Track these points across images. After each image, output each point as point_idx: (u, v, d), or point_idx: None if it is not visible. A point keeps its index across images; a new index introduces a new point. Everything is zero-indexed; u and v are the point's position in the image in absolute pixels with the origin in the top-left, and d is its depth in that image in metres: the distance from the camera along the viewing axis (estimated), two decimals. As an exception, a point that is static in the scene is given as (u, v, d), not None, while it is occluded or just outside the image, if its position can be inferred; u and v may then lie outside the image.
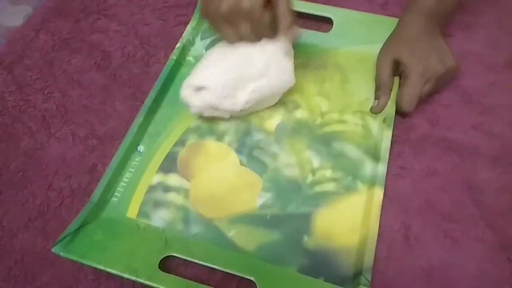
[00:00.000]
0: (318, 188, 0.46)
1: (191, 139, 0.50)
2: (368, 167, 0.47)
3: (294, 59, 0.50)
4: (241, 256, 0.42)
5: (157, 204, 0.45)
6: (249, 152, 0.49)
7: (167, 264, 0.42)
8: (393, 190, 0.46)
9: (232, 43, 0.48)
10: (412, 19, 0.50)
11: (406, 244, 0.44)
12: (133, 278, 0.38)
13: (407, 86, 0.48)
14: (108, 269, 0.38)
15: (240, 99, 0.47)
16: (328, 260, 0.42)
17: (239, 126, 0.51)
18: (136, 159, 0.48)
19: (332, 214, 0.44)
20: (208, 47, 0.57)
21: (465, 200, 0.46)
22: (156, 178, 0.47)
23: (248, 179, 0.47)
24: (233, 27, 0.47)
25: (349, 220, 0.44)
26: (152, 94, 0.51)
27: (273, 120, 0.51)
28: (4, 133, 0.52)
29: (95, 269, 0.39)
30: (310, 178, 0.47)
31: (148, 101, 0.50)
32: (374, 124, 0.50)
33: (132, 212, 0.45)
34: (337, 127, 0.50)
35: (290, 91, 0.51)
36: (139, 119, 0.49)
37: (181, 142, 0.49)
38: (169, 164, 0.48)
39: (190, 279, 0.39)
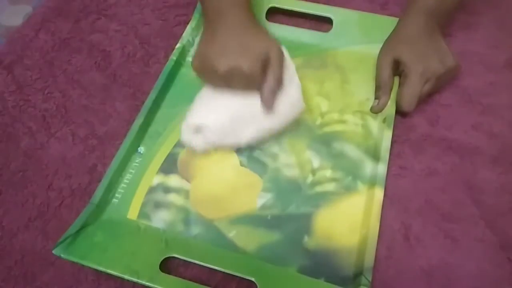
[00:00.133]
0: (318, 188, 0.46)
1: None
2: (368, 167, 0.47)
3: (293, 60, 0.50)
4: (242, 256, 0.42)
5: (158, 205, 0.45)
6: (249, 152, 0.49)
7: (168, 265, 0.42)
8: (393, 190, 0.46)
9: None
10: (412, 19, 0.50)
11: (406, 244, 0.44)
12: (134, 279, 0.38)
13: (407, 86, 0.48)
14: (109, 271, 0.38)
15: (245, 135, 0.46)
16: (329, 260, 0.42)
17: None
18: (137, 160, 0.48)
19: (332, 214, 0.45)
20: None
21: (465, 200, 0.46)
22: (157, 179, 0.47)
23: (248, 179, 0.47)
24: (229, 85, 0.45)
25: (349, 220, 0.44)
26: (152, 95, 0.51)
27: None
28: (4, 133, 0.52)
29: (96, 270, 0.39)
30: (310, 178, 0.47)
31: (148, 102, 0.50)
32: (374, 124, 0.50)
33: (132, 213, 0.45)
34: (337, 127, 0.50)
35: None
36: (139, 120, 0.49)
37: (181, 143, 0.49)
38: (170, 165, 0.48)
39: (191, 280, 0.39)
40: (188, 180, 0.47)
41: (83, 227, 0.42)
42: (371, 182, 0.45)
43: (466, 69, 0.54)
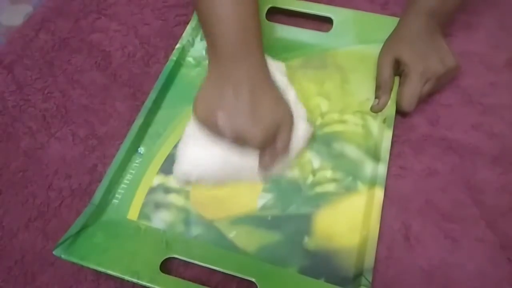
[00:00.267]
0: (318, 189, 0.46)
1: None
2: (369, 168, 0.47)
3: (294, 59, 0.50)
4: (242, 257, 0.42)
5: (158, 206, 0.45)
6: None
7: (168, 266, 0.42)
8: (394, 190, 0.46)
9: None
10: (413, 19, 0.50)
11: (406, 244, 0.44)
12: (135, 280, 0.38)
13: (407, 85, 0.48)
14: (109, 272, 0.38)
15: (246, 173, 0.45)
16: (329, 261, 0.42)
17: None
18: (137, 161, 0.48)
19: (332, 214, 0.45)
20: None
21: (465, 200, 0.46)
22: (157, 180, 0.47)
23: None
24: (233, 143, 0.42)
25: (349, 220, 0.44)
26: (152, 96, 0.51)
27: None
28: (4, 133, 0.52)
29: (96, 270, 0.39)
30: (310, 178, 0.47)
31: (148, 103, 0.50)
32: (374, 124, 0.50)
33: (133, 214, 0.45)
34: (337, 128, 0.50)
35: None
36: (139, 121, 0.49)
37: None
38: (170, 166, 0.47)
39: (191, 280, 0.39)
40: (188, 181, 0.47)
41: (83, 228, 0.41)
42: (371, 183, 0.45)
43: (466, 69, 0.54)
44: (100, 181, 0.45)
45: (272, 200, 0.45)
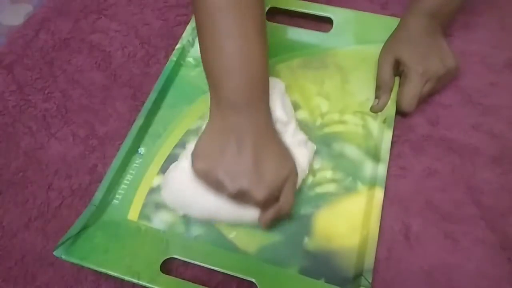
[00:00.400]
0: (318, 189, 0.46)
1: (192, 141, 0.49)
2: (369, 168, 0.47)
3: (294, 59, 0.49)
4: (242, 257, 0.42)
5: (158, 206, 0.45)
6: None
7: (168, 266, 0.42)
8: (394, 191, 0.46)
9: None
10: (414, 19, 0.50)
11: (406, 245, 0.44)
12: (135, 280, 0.38)
13: (408, 86, 0.48)
14: (110, 272, 0.38)
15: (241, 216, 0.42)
16: (329, 261, 0.42)
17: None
18: (137, 161, 0.48)
19: (332, 215, 0.45)
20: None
21: (465, 200, 0.46)
22: (157, 180, 0.47)
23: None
24: (233, 200, 0.40)
25: (349, 221, 0.44)
26: (152, 96, 0.51)
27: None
28: (4, 133, 0.52)
29: (96, 271, 0.39)
30: (310, 179, 0.47)
31: (148, 103, 0.50)
32: (375, 124, 0.50)
33: (133, 214, 0.45)
34: (337, 128, 0.50)
35: (290, 92, 0.51)
36: (139, 121, 0.49)
37: (181, 144, 0.49)
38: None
39: (191, 281, 0.39)
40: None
41: (83, 228, 0.42)
42: (371, 183, 0.45)
43: (466, 69, 0.54)
44: (100, 181, 0.45)
45: (272, 201, 0.45)
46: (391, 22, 0.54)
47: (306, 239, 0.43)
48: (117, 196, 0.46)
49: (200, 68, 0.55)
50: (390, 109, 0.50)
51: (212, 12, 0.38)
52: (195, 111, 0.52)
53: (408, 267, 0.42)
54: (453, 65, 0.49)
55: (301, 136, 0.46)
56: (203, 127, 0.43)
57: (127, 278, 0.38)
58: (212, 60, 0.40)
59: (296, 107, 0.51)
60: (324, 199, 0.45)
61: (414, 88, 0.48)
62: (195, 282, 0.38)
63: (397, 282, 0.42)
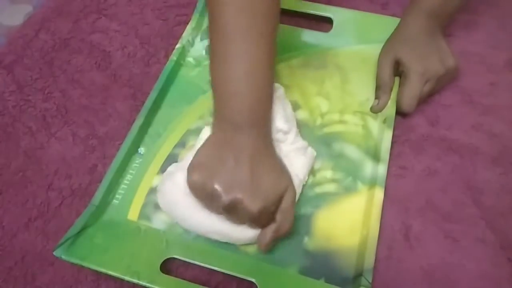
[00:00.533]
0: (318, 189, 0.46)
1: (192, 141, 0.49)
2: (369, 168, 0.47)
3: (293, 59, 0.49)
4: (242, 257, 0.42)
5: (158, 207, 0.45)
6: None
7: (168, 266, 0.42)
8: (394, 191, 0.46)
9: None
10: (414, 19, 0.50)
11: (406, 245, 0.44)
12: (135, 280, 0.38)
13: (407, 86, 0.48)
14: (110, 272, 0.38)
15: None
16: (329, 261, 0.42)
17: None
18: (137, 161, 0.48)
19: (332, 215, 0.44)
20: (208, 50, 0.56)
21: (465, 200, 0.46)
22: (157, 180, 0.47)
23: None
24: (226, 215, 0.39)
25: (349, 221, 0.44)
26: (152, 96, 0.51)
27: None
28: (4, 133, 0.52)
29: (96, 271, 0.39)
30: (310, 179, 0.47)
31: (148, 103, 0.50)
32: (375, 124, 0.50)
33: (133, 214, 0.45)
34: (337, 128, 0.50)
35: (290, 92, 0.51)
36: (139, 121, 0.49)
37: (181, 144, 0.49)
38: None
39: (191, 281, 0.39)
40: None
41: (83, 228, 0.41)
42: (371, 183, 0.45)
43: (466, 69, 0.54)
44: (100, 181, 0.45)
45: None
46: (391, 22, 0.54)
47: (306, 239, 0.43)
48: (117, 196, 0.46)
49: (200, 68, 0.55)
50: (390, 109, 0.50)
51: (226, 34, 0.38)
52: (195, 111, 0.52)
53: (408, 267, 0.42)
54: (452, 65, 0.49)
55: (301, 143, 0.46)
56: (203, 130, 0.43)
57: (127, 278, 0.38)
58: (221, 80, 0.40)
59: (296, 107, 0.51)
60: (324, 199, 0.45)
61: (414, 89, 0.48)
62: (195, 282, 0.38)
63: (397, 282, 0.42)
